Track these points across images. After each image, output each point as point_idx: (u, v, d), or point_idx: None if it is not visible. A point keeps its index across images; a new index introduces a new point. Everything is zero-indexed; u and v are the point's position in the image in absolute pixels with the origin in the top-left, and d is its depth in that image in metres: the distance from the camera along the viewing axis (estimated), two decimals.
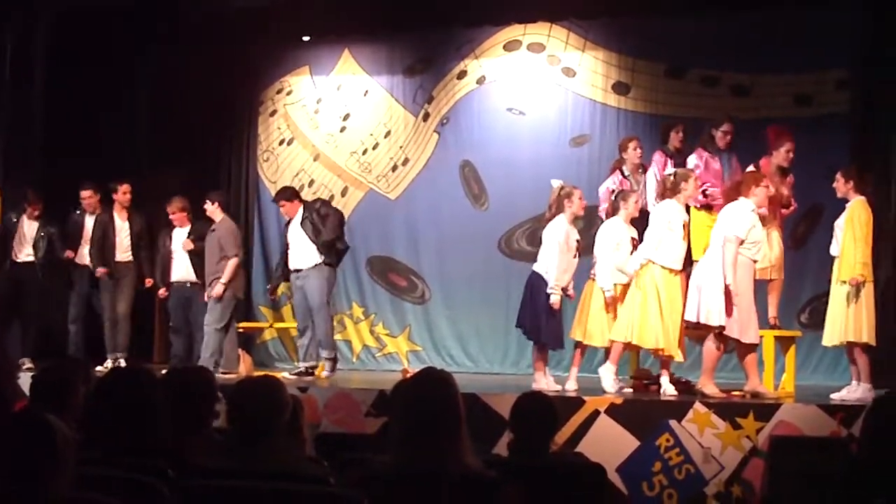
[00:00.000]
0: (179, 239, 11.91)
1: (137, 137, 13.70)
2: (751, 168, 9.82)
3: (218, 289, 11.32)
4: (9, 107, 12.44)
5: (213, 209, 11.70)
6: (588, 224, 10.41)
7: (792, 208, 10.03)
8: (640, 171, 10.41)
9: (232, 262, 11.41)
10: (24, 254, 12.02)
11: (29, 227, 12.03)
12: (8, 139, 12.41)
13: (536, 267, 9.76)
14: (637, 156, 10.42)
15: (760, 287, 9.80)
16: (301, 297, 11.30)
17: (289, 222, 11.41)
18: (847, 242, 8.97)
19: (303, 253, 11.20)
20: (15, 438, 3.27)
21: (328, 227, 11.17)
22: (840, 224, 9.12)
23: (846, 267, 8.96)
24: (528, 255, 12.85)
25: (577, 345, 9.91)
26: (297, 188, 12.37)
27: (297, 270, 11.24)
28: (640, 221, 9.78)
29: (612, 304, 9.65)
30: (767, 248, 9.62)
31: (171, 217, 11.91)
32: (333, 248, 11.25)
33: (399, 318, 13.81)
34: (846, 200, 9.16)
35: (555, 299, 9.50)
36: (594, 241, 9.91)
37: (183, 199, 11.92)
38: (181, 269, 11.88)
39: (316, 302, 11.13)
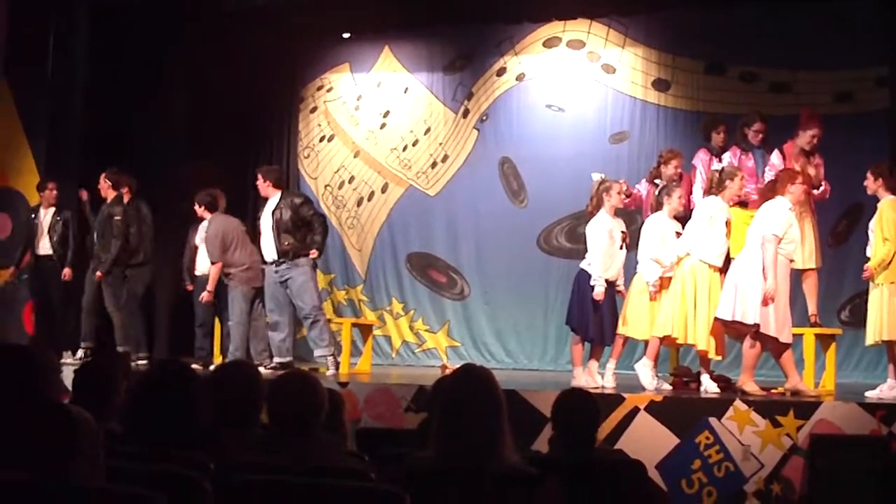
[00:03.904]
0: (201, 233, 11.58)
1: (177, 132, 13.70)
2: (776, 153, 9.80)
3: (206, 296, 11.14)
4: (51, 101, 12.50)
5: (200, 211, 11.42)
6: (630, 221, 10.37)
7: (822, 189, 9.90)
8: (675, 183, 10.23)
9: (214, 269, 11.02)
10: (43, 247, 11.76)
11: (45, 217, 11.75)
12: (51, 134, 12.45)
13: (583, 263, 9.77)
14: (676, 174, 10.24)
15: (795, 279, 9.72)
16: (279, 291, 10.69)
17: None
18: (877, 243, 8.93)
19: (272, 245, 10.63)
20: (37, 428, 3.31)
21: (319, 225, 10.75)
22: (871, 226, 9.08)
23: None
24: (567, 251, 12.89)
25: (617, 336, 9.88)
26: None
27: (277, 262, 10.66)
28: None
29: (656, 297, 9.60)
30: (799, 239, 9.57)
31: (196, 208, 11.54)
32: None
33: (438, 314, 13.84)
34: (878, 199, 9.11)
35: (599, 290, 9.49)
36: (639, 237, 9.88)
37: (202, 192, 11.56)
38: (204, 263, 11.45)
39: (308, 306, 10.62)
